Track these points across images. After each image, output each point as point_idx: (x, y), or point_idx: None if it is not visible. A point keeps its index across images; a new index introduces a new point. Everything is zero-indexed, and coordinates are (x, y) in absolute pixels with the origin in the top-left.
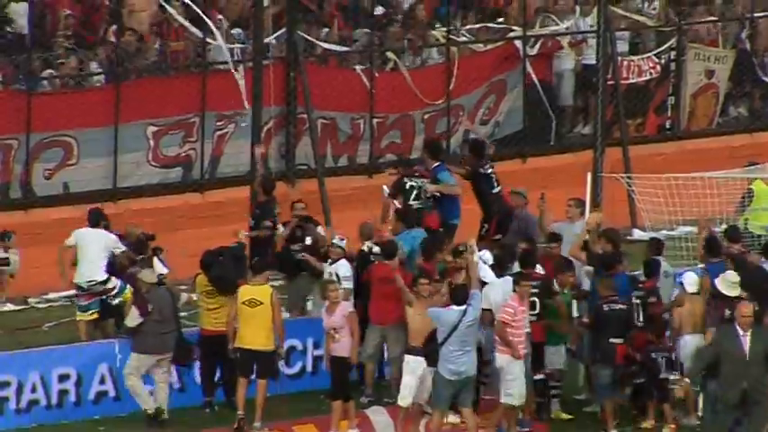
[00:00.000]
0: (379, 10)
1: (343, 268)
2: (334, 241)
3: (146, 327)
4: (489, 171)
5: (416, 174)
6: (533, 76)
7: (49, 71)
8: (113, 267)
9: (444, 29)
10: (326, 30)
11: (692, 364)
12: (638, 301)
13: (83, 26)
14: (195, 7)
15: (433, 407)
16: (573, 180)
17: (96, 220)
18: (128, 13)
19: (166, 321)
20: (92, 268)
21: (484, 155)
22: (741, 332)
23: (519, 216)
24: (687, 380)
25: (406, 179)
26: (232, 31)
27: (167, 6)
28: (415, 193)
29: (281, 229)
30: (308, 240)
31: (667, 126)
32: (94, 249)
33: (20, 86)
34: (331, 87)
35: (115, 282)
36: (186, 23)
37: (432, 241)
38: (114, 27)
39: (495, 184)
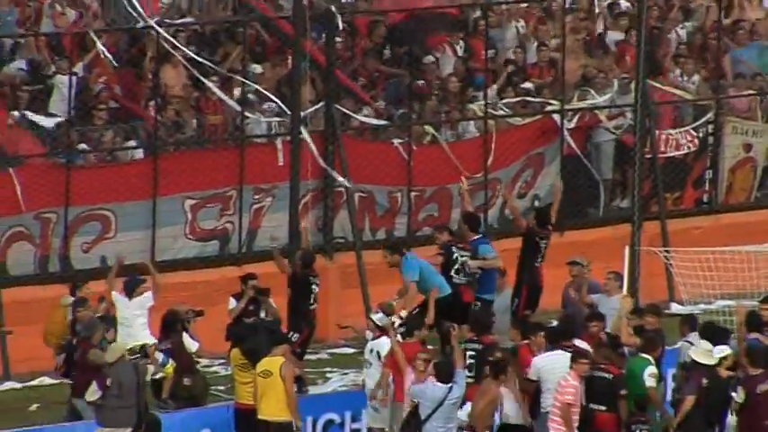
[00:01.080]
0: (417, 84)
1: (386, 346)
2: (373, 317)
3: (106, 401)
4: (543, 244)
5: (461, 245)
6: (574, 147)
7: (85, 145)
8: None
9: (482, 102)
10: (364, 104)
11: None
12: None
13: (123, 100)
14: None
15: None
16: (610, 254)
17: (133, 289)
18: (167, 86)
19: (127, 396)
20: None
21: (478, 228)
22: None
23: (579, 284)
24: None
25: (453, 247)
26: (269, 105)
27: (206, 82)
28: (457, 266)
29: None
30: (263, 314)
31: (705, 200)
32: (137, 321)
33: (59, 160)
34: (368, 161)
35: (157, 354)
36: (224, 97)
37: (479, 316)
38: (153, 102)
39: (540, 258)
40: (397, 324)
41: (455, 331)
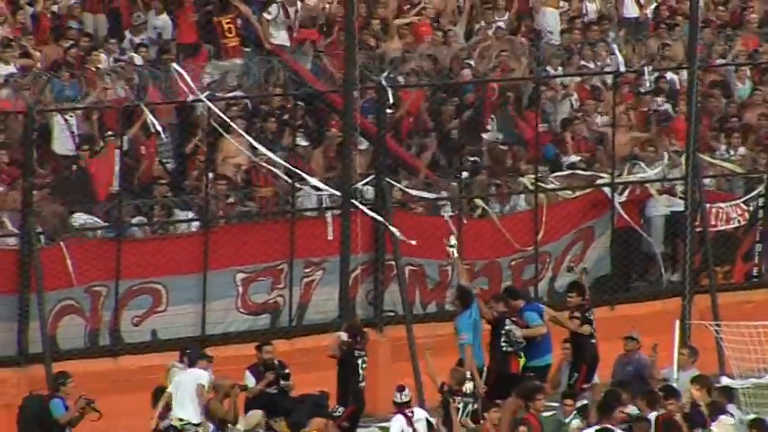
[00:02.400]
0: (467, 157)
1: (396, 424)
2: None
3: None
4: (592, 317)
5: (513, 317)
6: (627, 220)
7: (139, 218)
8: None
9: (532, 176)
10: (414, 177)
11: None
12: None
13: (175, 173)
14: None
15: None
16: (661, 327)
17: (194, 359)
18: (220, 160)
19: None
20: (185, 409)
21: (521, 297)
22: None
23: (633, 360)
24: None
25: (507, 319)
26: (320, 179)
27: (263, 149)
28: (503, 338)
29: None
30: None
31: (755, 273)
32: (189, 390)
33: (110, 233)
34: (419, 233)
35: (209, 426)
36: (277, 171)
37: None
38: (204, 175)
39: (594, 332)
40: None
41: None
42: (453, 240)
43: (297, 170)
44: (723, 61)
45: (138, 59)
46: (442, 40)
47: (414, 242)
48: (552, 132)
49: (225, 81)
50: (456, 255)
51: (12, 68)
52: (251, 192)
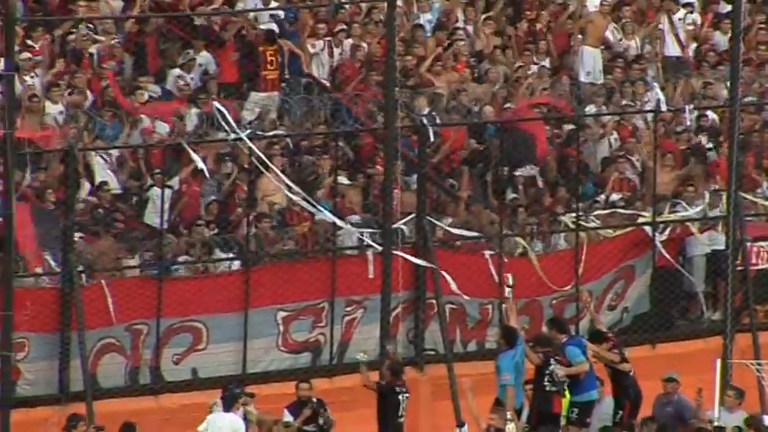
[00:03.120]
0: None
1: None
2: None
3: None
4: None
5: (559, 357)
6: (669, 259)
7: (184, 257)
8: None
9: (573, 214)
10: (454, 216)
11: None
12: None
13: (217, 212)
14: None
15: None
16: (702, 366)
17: (231, 403)
18: (261, 198)
19: None
20: None
21: (565, 330)
22: None
23: (673, 401)
24: None
25: (551, 359)
26: (361, 216)
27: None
28: (547, 378)
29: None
30: (321, 420)
31: None
32: None
33: (152, 271)
34: (459, 272)
35: None
36: (319, 208)
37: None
38: (245, 213)
39: (630, 369)
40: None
41: None
42: (511, 281)
43: (335, 211)
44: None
45: (179, 97)
46: (483, 79)
47: (454, 285)
48: (593, 171)
49: (266, 118)
50: (510, 295)
51: (60, 107)
52: (291, 230)
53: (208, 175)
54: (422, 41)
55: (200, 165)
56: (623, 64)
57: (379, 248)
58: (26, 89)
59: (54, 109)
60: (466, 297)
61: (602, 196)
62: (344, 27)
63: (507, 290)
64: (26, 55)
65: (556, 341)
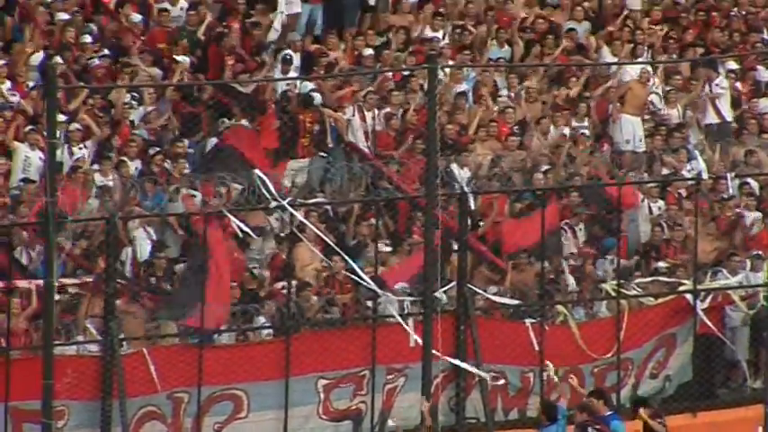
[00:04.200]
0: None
1: None
2: None
3: None
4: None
5: (598, 426)
6: (711, 327)
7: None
8: None
9: (614, 282)
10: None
11: None
12: None
13: (251, 279)
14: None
15: None
16: None
17: None
18: (299, 267)
19: None
20: None
21: (610, 403)
22: None
23: None
24: None
25: (590, 427)
26: (401, 285)
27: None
28: None
29: None
30: None
31: None
32: None
33: (192, 340)
34: (500, 340)
35: None
36: (358, 276)
37: None
38: (285, 281)
39: None
40: None
41: None
42: (552, 369)
43: (376, 277)
44: None
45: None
46: (524, 146)
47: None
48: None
49: (307, 185)
50: (557, 379)
51: (104, 177)
52: (332, 298)
53: (254, 235)
54: (463, 109)
55: (245, 229)
56: (665, 132)
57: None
58: (72, 160)
59: (99, 178)
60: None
61: (644, 263)
62: (385, 94)
63: (554, 377)
64: (75, 126)
65: (599, 413)
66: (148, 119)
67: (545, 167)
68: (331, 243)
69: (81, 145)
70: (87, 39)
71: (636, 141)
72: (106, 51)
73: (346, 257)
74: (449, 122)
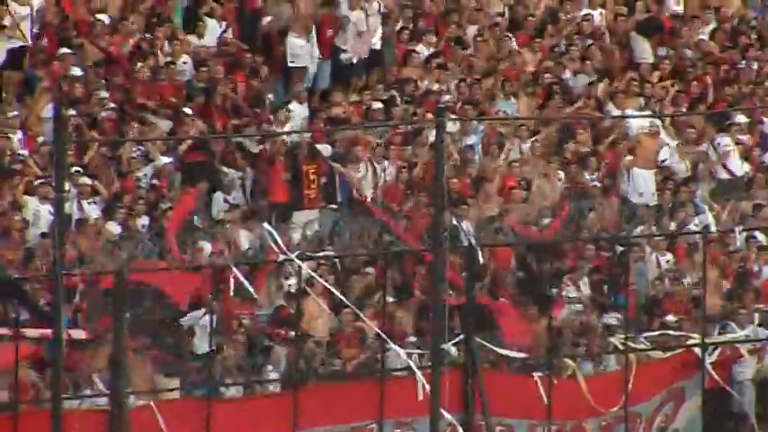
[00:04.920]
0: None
1: None
2: None
3: None
4: None
5: None
6: (718, 381)
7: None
8: None
9: (622, 336)
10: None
11: None
12: None
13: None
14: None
15: None
16: None
17: None
18: (307, 320)
19: None
20: None
21: None
22: None
23: None
24: None
25: None
26: (410, 338)
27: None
28: None
29: None
30: None
31: None
32: None
33: (200, 393)
34: (508, 393)
35: None
36: (367, 326)
37: None
38: (292, 333)
39: None
40: None
41: None
42: None
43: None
44: None
45: (228, 218)
46: (532, 199)
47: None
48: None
49: (315, 238)
50: None
51: (114, 229)
52: (339, 351)
53: (256, 296)
54: (471, 163)
55: (249, 288)
56: (673, 186)
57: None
58: (82, 214)
59: (109, 231)
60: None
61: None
62: (392, 148)
63: None
64: (85, 180)
65: None
66: (162, 173)
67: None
68: (340, 296)
69: (91, 199)
70: (102, 93)
71: (648, 195)
72: (111, 105)
73: (356, 311)
74: (456, 176)
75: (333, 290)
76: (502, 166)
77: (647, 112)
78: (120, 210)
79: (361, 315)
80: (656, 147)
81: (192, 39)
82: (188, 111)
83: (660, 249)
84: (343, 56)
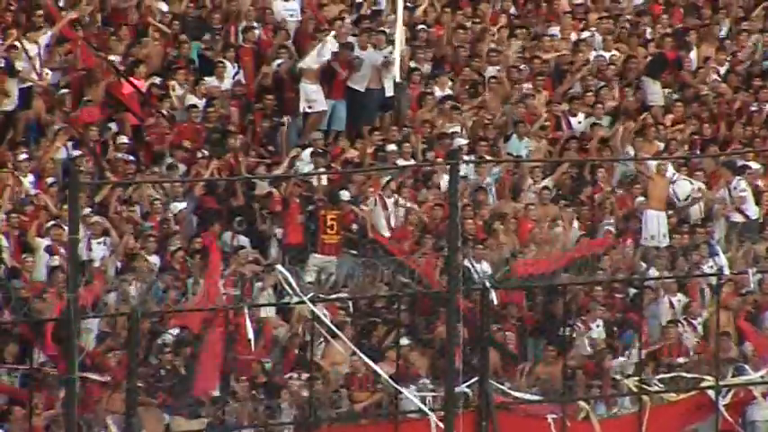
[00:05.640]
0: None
1: None
2: None
3: None
4: None
5: None
6: (730, 422)
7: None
8: None
9: (636, 378)
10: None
11: None
12: None
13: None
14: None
15: None
16: None
17: None
18: (328, 363)
19: None
20: None
21: None
22: None
23: None
24: None
25: None
26: (423, 380)
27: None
28: None
29: None
30: None
31: None
32: None
33: None
34: None
35: None
36: (380, 371)
37: None
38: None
39: None
40: None
41: None
42: None
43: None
44: None
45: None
46: (547, 239)
47: None
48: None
49: (329, 281)
50: None
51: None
52: (352, 394)
53: (253, 347)
54: (485, 204)
55: (250, 335)
56: (688, 228)
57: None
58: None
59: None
60: None
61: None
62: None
63: None
64: (96, 219)
65: None
66: (179, 217)
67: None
68: (349, 342)
69: (101, 239)
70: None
71: (660, 237)
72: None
73: (366, 358)
74: (471, 217)
75: (341, 335)
76: (517, 207)
77: (661, 155)
78: (132, 251)
79: (371, 363)
80: (667, 186)
81: (211, 80)
82: (205, 152)
83: (673, 291)
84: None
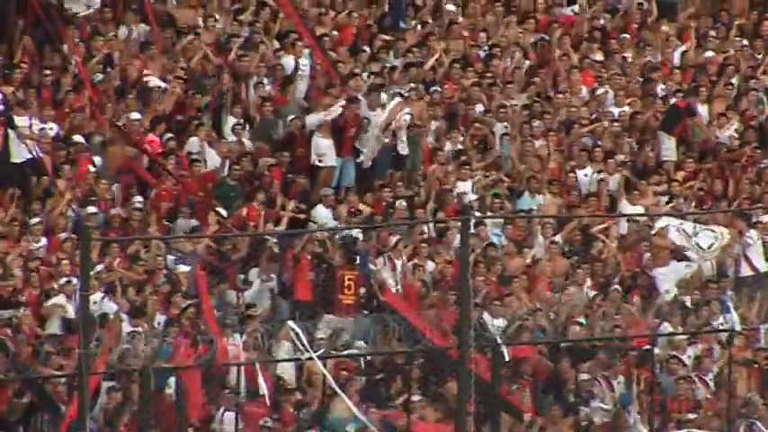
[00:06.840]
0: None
1: None
2: None
3: None
4: None
5: None
6: None
7: None
8: None
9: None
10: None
11: None
12: None
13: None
14: None
15: None
16: None
17: None
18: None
19: None
20: None
21: None
22: None
23: None
24: None
25: None
26: None
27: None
28: None
29: None
30: None
31: None
32: None
33: None
34: None
35: None
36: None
37: None
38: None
39: None
40: None
41: None
42: None
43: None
44: None
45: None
46: (558, 299)
47: None
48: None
49: (339, 338)
50: None
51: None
52: None
53: (269, 402)
54: (495, 260)
55: (263, 390)
56: (699, 284)
57: None
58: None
59: (128, 329)
60: None
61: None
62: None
63: None
64: (105, 274)
65: None
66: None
67: (580, 320)
68: (353, 406)
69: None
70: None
71: (672, 293)
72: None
73: (368, 423)
74: (480, 274)
75: (344, 397)
76: (527, 264)
77: (672, 211)
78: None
79: (371, 427)
80: (668, 245)
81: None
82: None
83: (683, 347)
84: (361, 157)
